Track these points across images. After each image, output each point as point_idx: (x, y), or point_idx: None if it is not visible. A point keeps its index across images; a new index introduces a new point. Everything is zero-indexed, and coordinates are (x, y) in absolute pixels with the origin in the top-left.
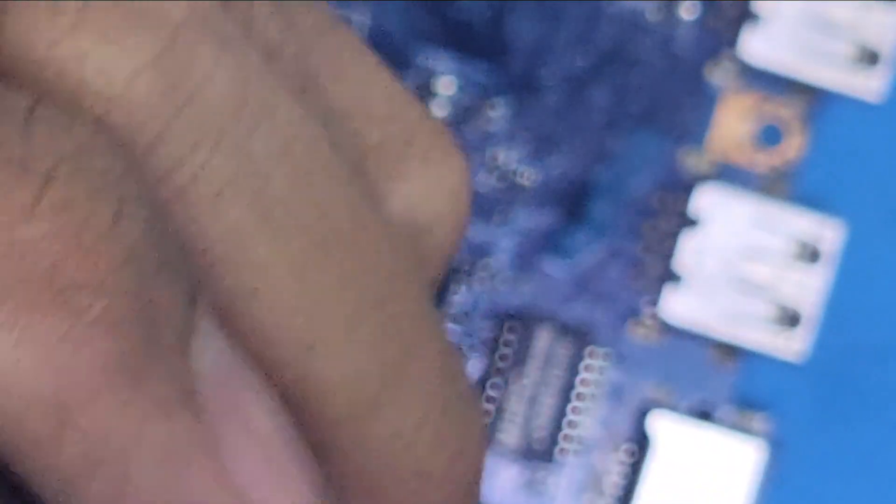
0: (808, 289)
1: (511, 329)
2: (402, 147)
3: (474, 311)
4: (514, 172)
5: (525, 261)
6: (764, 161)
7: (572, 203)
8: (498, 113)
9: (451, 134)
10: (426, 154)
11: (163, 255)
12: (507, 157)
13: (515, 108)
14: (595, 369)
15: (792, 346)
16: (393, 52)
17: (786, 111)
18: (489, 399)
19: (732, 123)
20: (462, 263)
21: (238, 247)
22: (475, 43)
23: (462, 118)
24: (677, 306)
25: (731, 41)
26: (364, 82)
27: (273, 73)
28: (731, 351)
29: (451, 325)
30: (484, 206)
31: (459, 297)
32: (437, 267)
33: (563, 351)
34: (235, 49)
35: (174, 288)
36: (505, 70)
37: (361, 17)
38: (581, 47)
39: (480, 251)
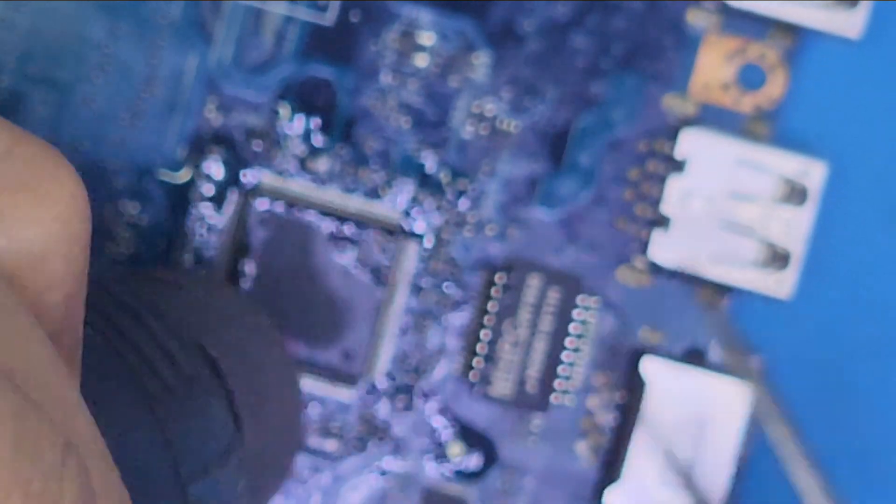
0: (796, 228)
1: (501, 279)
2: None
3: (464, 262)
4: (499, 121)
5: (512, 210)
6: (748, 102)
7: (557, 150)
8: (480, 62)
9: (56, 153)
10: (22, 183)
11: None
12: (492, 107)
13: (498, 58)
14: (586, 315)
15: (781, 285)
16: (378, 4)
17: (768, 52)
18: (482, 348)
19: (715, 66)
20: (451, 215)
21: None
22: None
23: (445, 69)
24: (666, 249)
25: None
26: None
27: None
28: (721, 291)
29: (446, 280)
30: (470, 157)
31: (451, 248)
32: (63, 287)
33: (554, 298)
34: None
35: None
36: (486, 20)
37: None
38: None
39: (469, 202)
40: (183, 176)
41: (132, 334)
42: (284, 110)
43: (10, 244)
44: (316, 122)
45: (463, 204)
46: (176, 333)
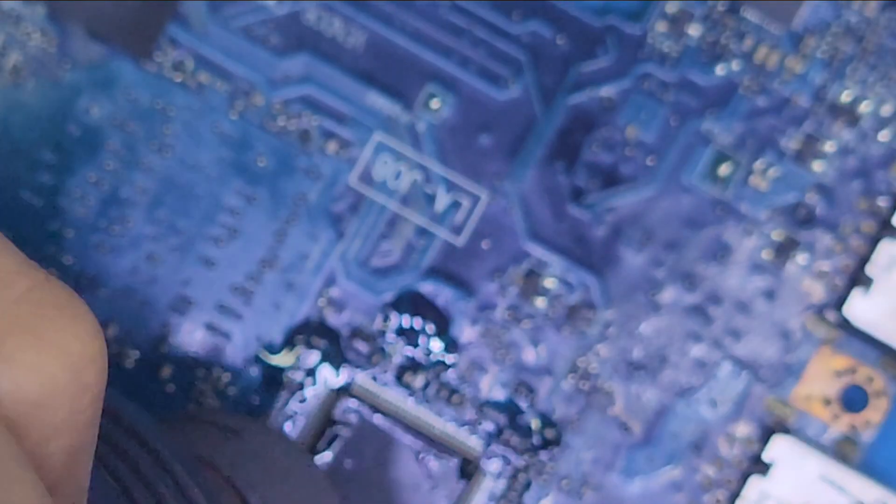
0: None
1: None
2: (4, 325)
3: None
4: (601, 381)
5: (591, 471)
6: (844, 421)
7: (647, 428)
8: (596, 319)
9: (77, 301)
10: (33, 328)
11: None
12: (596, 366)
13: (613, 322)
14: None
15: None
16: (511, 238)
17: (876, 378)
18: None
19: (822, 379)
20: (531, 461)
21: None
22: (589, 251)
23: (561, 317)
24: None
25: (840, 299)
26: None
27: None
28: None
29: None
30: (564, 409)
31: (524, 494)
32: (66, 436)
33: None
34: None
35: None
36: (611, 284)
37: (484, 197)
38: (688, 282)
39: (551, 453)
40: (280, 360)
41: (206, 479)
42: (394, 319)
43: (14, 389)
44: (423, 339)
45: (545, 454)
46: (247, 481)
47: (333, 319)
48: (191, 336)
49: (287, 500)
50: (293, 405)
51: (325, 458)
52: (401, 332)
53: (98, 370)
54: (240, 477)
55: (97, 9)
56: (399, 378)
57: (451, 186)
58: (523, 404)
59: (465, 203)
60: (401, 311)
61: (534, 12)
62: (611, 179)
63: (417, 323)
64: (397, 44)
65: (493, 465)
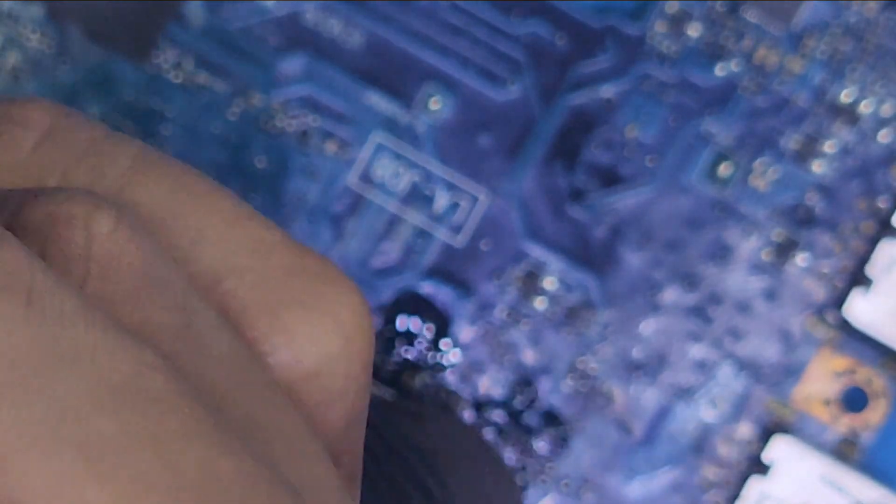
0: None
1: None
2: (277, 297)
3: None
4: (600, 384)
5: (590, 472)
6: (844, 422)
7: (647, 429)
8: (597, 321)
9: (337, 270)
10: (304, 298)
11: None
12: (596, 367)
13: (613, 323)
14: None
15: None
16: (510, 239)
17: (876, 379)
18: None
19: (822, 380)
20: (531, 461)
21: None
22: (588, 252)
23: (560, 318)
24: None
25: (840, 300)
26: (229, 239)
27: (100, 299)
28: None
29: None
30: (563, 410)
31: (523, 494)
32: (339, 408)
33: None
34: (43, 298)
35: None
36: (611, 285)
37: (484, 198)
38: (688, 282)
39: (550, 453)
40: None
41: (388, 464)
42: (393, 319)
43: (294, 360)
44: (422, 339)
45: (544, 455)
46: (428, 466)
47: None
48: None
49: (475, 484)
50: None
51: None
52: (399, 332)
53: (368, 339)
54: (434, 459)
55: (95, 9)
56: (398, 379)
57: (450, 187)
58: (522, 405)
59: (465, 203)
60: (400, 312)
61: (533, 12)
62: (610, 180)
63: (416, 324)
64: (396, 44)
65: None
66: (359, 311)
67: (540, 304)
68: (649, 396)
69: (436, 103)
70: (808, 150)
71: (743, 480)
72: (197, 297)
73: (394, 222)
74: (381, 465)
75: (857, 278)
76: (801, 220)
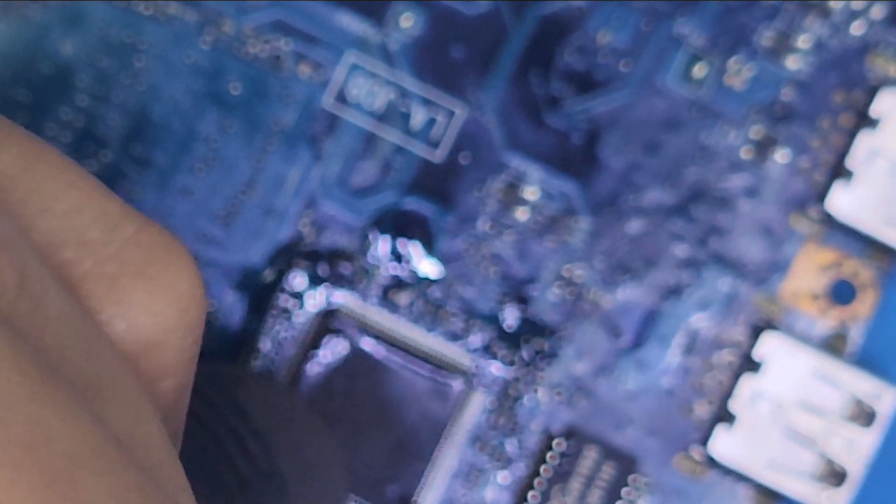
0: (858, 449)
1: (559, 445)
2: (116, 268)
3: (525, 421)
4: (587, 290)
5: (582, 379)
6: (834, 315)
7: (637, 332)
8: (579, 227)
9: (178, 242)
10: (143, 270)
11: None
12: (581, 273)
13: (597, 227)
14: (635, 496)
15: (833, 502)
16: (489, 151)
17: (863, 271)
18: None
19: (808, 275)
20: (522, 372)
21: None
22: (568, 159)
23: (544, 228)
24: (726, 446)
25: (822, 194)
26: (73, 209)
27: None
28: (771, 497)
29: (505, 439)
30: (552, 319)
31: (516, 405)
32: (175, 375)
33: (607, 473)
34: None
35: None
36: (593, 188)
37: (460, 111)
38: (668, 184)
39: (542, 363)
40: (266, 276)
41: (213, 426)
42: (380, 241)
43: (129, 330)
44: (406, 256)
45: (535, 365)
46: (252, 432)
47: (316, 242)
48: None
49: (297, 447)
50: (280, 329)
51: (314, 378)
52: (384, 250)
53: (200, 309)
54: (257, 423)
55: None
56: (385, 297)
57: (426, 102)
58: (511, 316)
59: (441, 118)
60: (383, 230)
61: None
62: (586, 86)
63: (401, 242)
64: None
65: (483, 379)
66: (194, 283)
67: (522, 214)
68: (637, 300)
69: (407, 20)
70: (781, 46)
71: (735, 379)
72: (36, 261)
73: (371, 141)
74: (206, 427)
75: (838, 171)
76: (779, 116)
